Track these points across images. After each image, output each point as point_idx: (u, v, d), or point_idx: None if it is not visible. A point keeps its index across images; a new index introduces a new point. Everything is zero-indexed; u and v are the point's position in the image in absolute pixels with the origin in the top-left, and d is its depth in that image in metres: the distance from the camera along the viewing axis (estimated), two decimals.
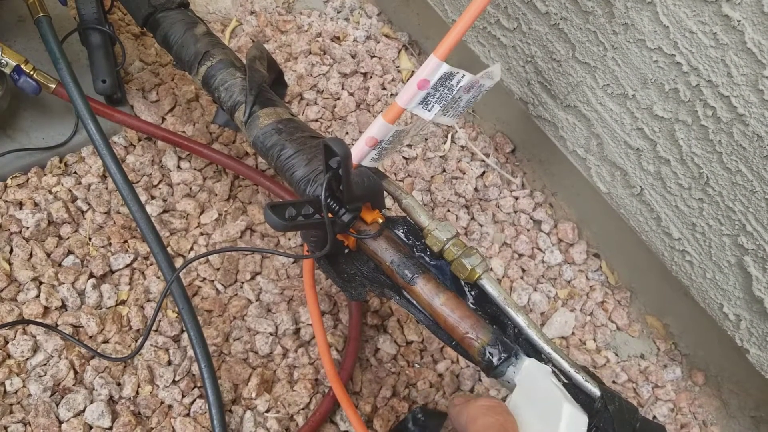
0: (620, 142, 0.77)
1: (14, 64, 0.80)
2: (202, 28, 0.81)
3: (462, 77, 0.60)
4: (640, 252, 0.85)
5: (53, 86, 0.82)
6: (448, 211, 0.96)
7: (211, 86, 0.77)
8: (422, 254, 0.67)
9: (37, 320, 0.78)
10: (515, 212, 0.98)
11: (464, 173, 0.99)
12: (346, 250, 0.69)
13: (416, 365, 0.86)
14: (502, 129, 1.02)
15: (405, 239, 0.68)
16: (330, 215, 0.62)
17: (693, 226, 0.74)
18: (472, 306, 0.65)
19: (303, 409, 0.80)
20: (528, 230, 0.97)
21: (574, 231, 0.96)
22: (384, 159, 0.67)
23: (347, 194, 0.60)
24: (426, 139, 1.00)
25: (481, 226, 0.96)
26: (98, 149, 0.75)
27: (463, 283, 0.66)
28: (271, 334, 0.84)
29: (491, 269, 0.92)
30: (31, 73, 0.81)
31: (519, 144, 1.00)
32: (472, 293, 0.66)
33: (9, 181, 0.87)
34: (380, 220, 0.66)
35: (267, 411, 0.79)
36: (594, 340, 0.90)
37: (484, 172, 1.00)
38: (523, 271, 0.94)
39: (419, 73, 0.59)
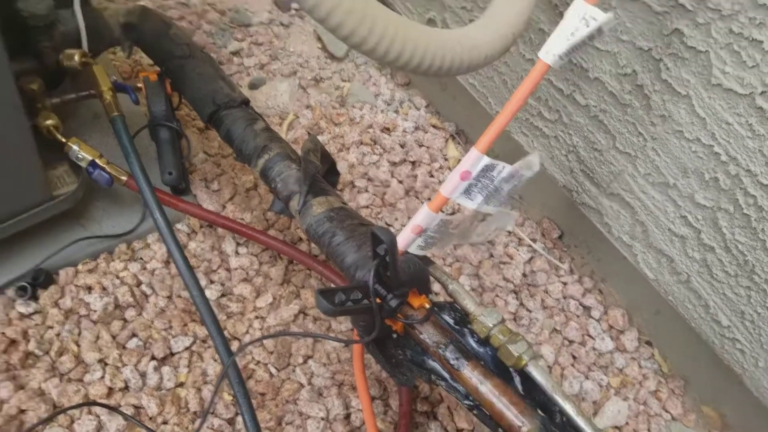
0: (664, 229, 0.78)
1: (90, 158, 0.87)
2: (261, 123, 0.87)
3: (502, 169, 0.63)
4: (692, 340, 0.85)
5: (124, 178, 0.89)
6: (497, 296, 0.97)
7: (268, 177, 0.82)
8: (469, 339, 0.69)
9: (101, 402, 0.81)
10: (564, 298, 0.99)
11: (512, 258, 1.01)
12: (395, 335, 0.71)
13: None
14: (548, 215, 1.04)
15: (452, 324, 0.70)
16: (378, 300, 0.64)
17: (742, 313, 0.73)
18: (519, 393, 0.66)
19: None
20: (578, 316, 0.97)
21: (625, 318, 0.96)
22: (431, 248, 0.70)
23: (394, 280, 0.63)
24: (485, 240, 1.03)
25: (530, 311, 0.97)
26: (164, 238, 0.81)
27: (510, 369, 0.67)
28: (322, 419, 0.85)
29: (539, 356, 0.92)
30: (105, 166, 0.88)
31: (566, 230, 1.02)
32: (519, 380, 0.67)
33: (80, 266, 0.93)
34: (427, 305, 0.69)
35: None
36: (648, 430, 0.88)
37: (531, 258, 1.01)
38: (574, 358, 0.94)
39: (461, 165, 0.62)
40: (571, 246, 1.02)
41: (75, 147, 0.86)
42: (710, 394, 0.89)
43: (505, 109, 0.61)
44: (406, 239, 0.67)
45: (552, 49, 0.56)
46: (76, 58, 0.89)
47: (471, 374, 0.65)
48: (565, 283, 0.99)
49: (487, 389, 0.64)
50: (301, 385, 0.88)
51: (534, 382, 0.66)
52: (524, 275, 1.00)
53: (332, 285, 0.97)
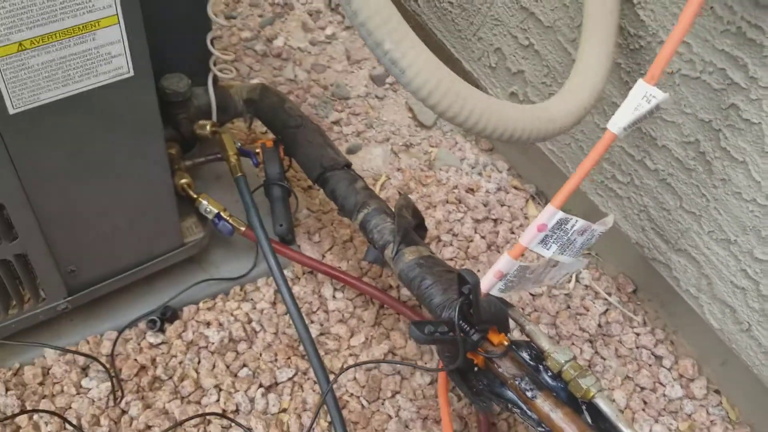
0: (727, 282, 0.85)
1: (216, 211, 1.02)
2: (361, 183, 1.00)
3: (575, 222, 0.73)
4: (757, 388, 0.89)
5: (243, 229, 1.03)
6: (573, 344, 1.05)
7: (366, 229, 0.94)
8: (543, 374, 0.77)
9: (213, 411, 0.94)
10: (637, 348, 1.05)
11: (588, 310, 1.08)
12: (476, 368, 0.80)
13: None
14: (623, 270, 1.11)
15: (528, 360, 0.79)
16: (462, 335, 0.74)
17: None
18: (587, 422, 0.73)
19: None
20: (650, 365, 1.03)
21: (695, 367, 1.01)
22: (510, 291, 0.79)
23: (476, 317, 0.73)
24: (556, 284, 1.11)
25: (604, 359, 1.04)
26: (276, 281, 0.94)
27: (580, 401, 0.75)
28: None
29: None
30: (228, 218, 1.03)
31: (639, 285, 1.09)
32: (588, 411, 0.75)
33: (201, 304, 1.07)
34: (505, 342, 0.78)
35: None
36: None
37: (606, 310, 1.09)
38: (645, 403, 0.99)
39: (539, 219, 0.72)
40: (645, 300, 1.08)
41: (204, 202, 1.02)
42: None
43: (578, 171, 0.71)
44: (488, 282, 0.77)
45: (618, 122, 0.66)
46: (208, 128, 1.06)
47: (543, 404, 0.73)
48: (638, 334, 1.06)
49: (558, 417, 0.72)
50: (390, 417, 0.97)
51: (599, 413, 0.73)
52: (599, 326, 1.07)
53: None
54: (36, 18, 0.64)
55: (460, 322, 0.74)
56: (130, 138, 0.82)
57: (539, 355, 0.78)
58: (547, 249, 0.75)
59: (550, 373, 0.77)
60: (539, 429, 0.74)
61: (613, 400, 0.98)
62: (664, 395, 1.00)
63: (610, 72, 0.78)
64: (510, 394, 0.77)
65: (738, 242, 0.82)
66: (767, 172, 0.74)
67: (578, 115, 0.74)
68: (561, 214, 0.72)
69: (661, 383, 1.01)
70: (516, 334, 0.99)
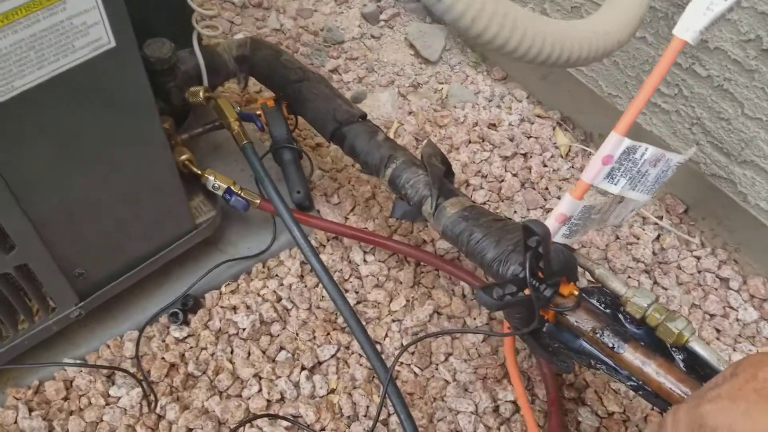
0: None
1: (225, 186, 0.92)
2: (381, 135, 0.90)
3: (645, 150, 0.64)
4: None
5: (258, 201, 0.94)
6: (629, 277, 0.97)
7: (397, 185, 0.85)
8: (623, 322, 0.69)
9: (279, 415, 0.86)
10: (699, 272, 0.97)
11: (638, 238, 1.00)
12: (546, 325, 0.72)
13: None
14: (671, 191, 1.02)
15: (602, 309, 0.71)
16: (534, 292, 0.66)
17: None
18: (683, 370, 0.66)
19: None
20: (716, 289, 0.96)
21: (766, 285, 0.93)
22: (576, 236, 0.71)
23: (547, 270, 0.64)
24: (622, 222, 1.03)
25: (666, 289, 0.96)
26: (304, 252, 0.85)
27: (669, 347, 0.67)
28: (472, 413, 0.87)
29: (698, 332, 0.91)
30: (240, 192, 0.93)
31: (691, 204, 1.00)
32: (680, 357, 0.67)
33: (223, 288, 0.99)
34: (575, 293, 0.69)
35: None
36: None
37: (659, 236, 1.00)
38: (718, 331, 0.92)
39: (602, 150, 0.63)
40: (698, 219, 1.00)
41: (211, 177, 0.92)
42: None
43: (642, 90, 0.61)
44: (551, 229, 0.68)
45: (691, 26, 0.56)
46: (201, 94, 0.95)
47: (633, 356, 0.65)
48: (698, 257, 0.98)
49: (652, 370, 0.64)
50: (447, 382, 0.90)
51: (695, 357, 0.66)
52: (654, 254, 0.99)
53: (462, 282, 0.99)
54: None
55: (532, 279, 0.65)
56: (121, 118, 0.72)
57: (614, 301, 0.70)
58: (615, 184, 0.66)
59: (629, 320, 0.69)
60: (629, 383, 0.67)
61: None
62: (738, 320, 0.93)
63: None
64: (591, 348, 0.69)
65: None
66: None
67: (634, 25, 0.63)
68: (628, 142, 0.63)
69: (732, 307, 0.94)
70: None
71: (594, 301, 0.71)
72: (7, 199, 0.67)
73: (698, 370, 0.66)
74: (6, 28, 0.55)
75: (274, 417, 0.86)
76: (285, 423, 0.86)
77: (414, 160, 0.86)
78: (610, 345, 0.66)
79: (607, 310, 0.70)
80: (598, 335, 0.67)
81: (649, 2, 0.66)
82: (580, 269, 0.73)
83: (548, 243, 0.61)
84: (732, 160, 0.84)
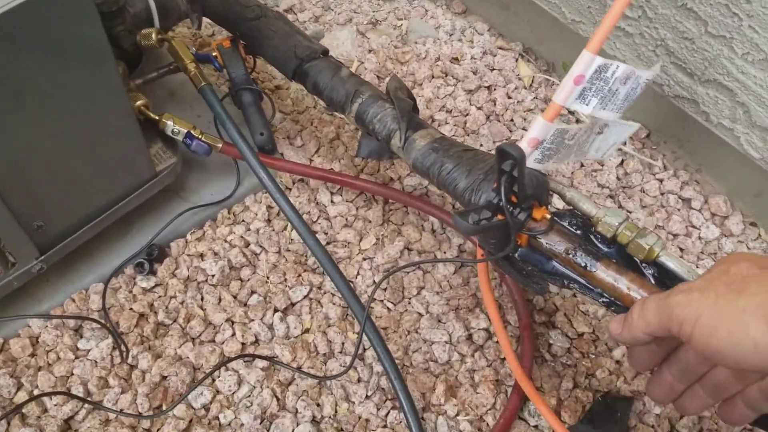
0: (767, 105, 0.78)
1: (185, 131, 0.90)
2: (345, 70, 0.88)
3: (617, 68, 0.63)
4: None
5: (220, 145, 0.91)
6: (595, 202, 0.98)
7: (364, 121, 0.83)
8: (595, 242, 0.70)
9: (256, 355, 0.85)
10: (662, 194, 0.99)
11: (602, 165, 1.01)
12: (519, 249, 0.72)
13: (592, 355, 0.88)
14: (632, 116, 1.03)
15: (574, 231, 0.71)
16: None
17: None
18: (653, 285, 0.67)
19: (490, 409, 0.83)
20: (679, 210, 0.98)
21: (727, 203, 0.95)
22: (549, 161, 0.70)
23: (521, 194, 0.64)
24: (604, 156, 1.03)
25: (630, 212, 0.97)
26: (272, 195, 0.83)
27: (640, 263, 0.68)
28: (446, 342, 0.88)
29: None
30: (200, 136, 0.90)
31: (653, 128, 1.01)
32: (651, 272, 0.68)
33: (189, 236, 0.97)
34: (548, 216, 0.70)
35: (457, 415, 0.83)
36: None
37: (623, 161, 1.01)
38: (682, 250, 0.95)
39: (574, 69, 0.62)
40: (660, 143, 1.01)
41: (170, 122, 0.89)
42: None
43: (615, 5, 0.61)
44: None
45: None
46: (153, 36, 0.91)
47: (605, 274, 0.66)
48: (660, 180, 0.99)
49: (624, 285, 0.65)
50: (420, 315, 0.91)
51: (665, 272, 0.67)
52: (618, 179, 1.00)
53: (432, 218, 0.99)
54: None
55: (507, 204, 0.65)
56: (72, 62, 0.68)
57: (586, 222, 0.71)
58: (587, 104, 0.65)
59: (600, 239, 0.70)
60: (602, 300, 0.68)
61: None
62: (700, 238, 0.95)
63: None
64: (564, 269, 0.70)
65: None
66: None
67: None
68: (600, 60, 0.62)
69: (694, 226, 0.96)
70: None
71: (566, 224, 0.71)
72: None
73: (668, 284, 0.67)
74: None
75: (250, 357, 0.85)
76: (261, 364, 0.85)
77: (380, 95, 0.84)
78: (583, 264, 0.67)
79: (579, 232, 0.71)
80: (570, 256, 0.68)
81: None
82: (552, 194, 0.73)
83: (523, 166, 0.60)
84: (695, 80, 0.84)
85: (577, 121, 1.04)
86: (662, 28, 0.83)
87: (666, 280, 0.67)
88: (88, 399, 0.82)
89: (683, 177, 0.99)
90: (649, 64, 0.89)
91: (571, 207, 0.72)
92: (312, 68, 0.87)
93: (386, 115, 0.80)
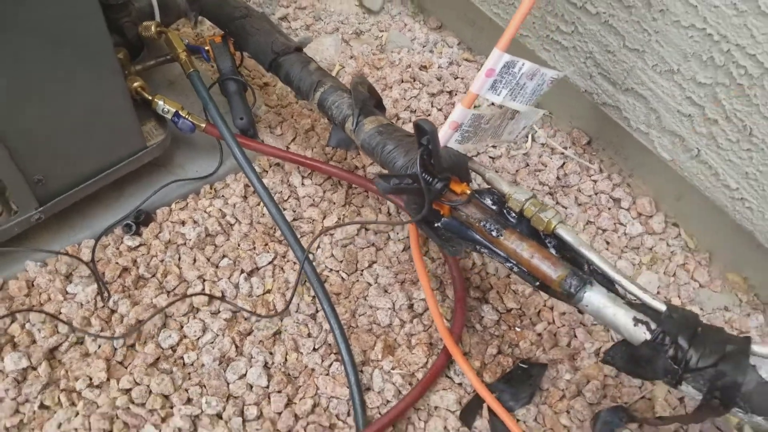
0: (674, 111, 0.89)
1: (174, 110, 1.03)
2: (314, 65, 1.01)
3: (522, 65, 0.75)
4: (712, 213, 0.95)
5: (204, 125, 1.04)
6: (509, 183, 1.09)
7: (324, 107, 0.96)
8: (507, 216, 0.81)
9: (205, 292, 0.97)
10: (596, 194, 1.10)
11: (546, 165, 1.13)
12: (442, 218, 0.84)
13: (517, 328, 0.99)
14: (577, 125, 1.15)
15: (491, 206, 0.83)
16: (425, 184, 0.78)
17: (746, 174, 0.84)
18: (550, 252, 0.78)
19: (422, 367, 0.94)
20: (609, 208, 1.09)
21: (652, 204, 1.06)
22: (468, 142, 0.82)
23: (437, 165, 0.76)
24: (515, 142, 1.15)
25: (566, 208, 1.09)
26: (244, 169, 0.96)
27: (543, 236, 0.79)
28: (389, 309, 0.99)
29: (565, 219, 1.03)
30: (187, 116, 1.03)
31: (593, 135, 1.13)
32: (552, 244, 0.80)
33: (173, 206, 1.09)
34: (468, 191, 0.81)
35: (392, 369, 0.94)
36: (678, 296, 0.99)
37: (564, 163, 1.13)
38: (608, 243, 1.05)
39: (486, 64, 0.74)
40: (599, 149, 1.13)
41: (161, 102, 1.02)
42: (734, 261, 0.99)
43: (519, 10, 0.73)
44: (445, 134, 0.80)
45: None
46: (153, 28, 1.05)
47: (509, 240, 0.78)
48: (595, 181, 1.10)
49: (523, 249, 0.77)
50: (369, 285, 1.02)
51: (563, 244, 0.78)
52: (558, 178, 1.11)
53: (388, 203, 1.10)
54: None
55: (423, 174, 0.77)
56: (77, 43, 0.82)
57: (501, 199, 0.82)
58: (498, 95, 0.77)
59: (513, 214, 0.81)
60: (507, 264, 0.79)
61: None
62: (625, 234, 1.06)
63: None
64: (477, 236, 0.82)
65: (681, 71, 0.85)
66: None
67: None
68: (507, 57, 0.74)
69: (621, 223, 1.07)
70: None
71: (486, 200, 0.83)
72: None
73: (564, 254, 0.78)
74: None
75: (210, 297, 0.97)
76: (225, 315, 0.97)
77: (341, 86, 0.97)
78: (492, 232, 0.79)
79: (495, 207, 0.83)
80: (482, 224, 0.79)
81: None
82: (474, 174, 0.85)
83: (435, 138, 0.72)
84: (617, 89, 0.96)
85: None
86: (590, 42, 0.95)
87: (563, 250, 0.79)
88: (71, 325, 0.94)
89: (616, 180, 1.11)
90: (582, 75, 1.01)
91: (490, 186, 0.83)
92: (285, 61, 1.00)
93: (343, 103, 0.93)
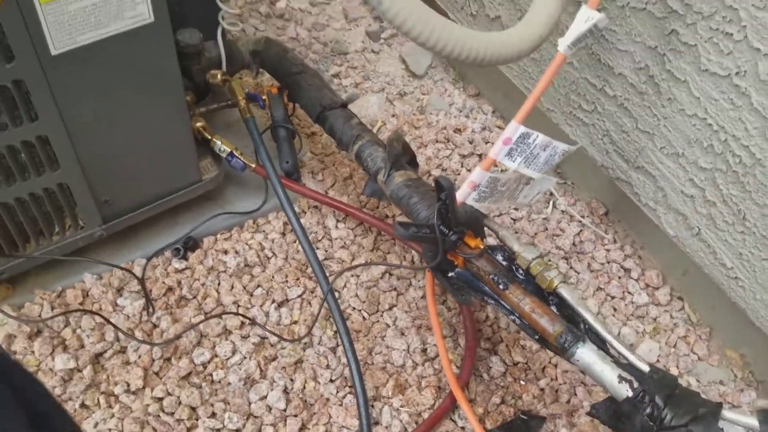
0: (678, 192, 0.97)
1: (229, 150, 1.15)
2: (356, 120, 1.12)
3: (537, 137, 0.85)
4: (713, 290, 1.01)
5: (253, 166, 1.16)
6: (549, 260, 1.17)
7: (361, 158, 1.07)
8: (516, 272, 0.90)
9: (238, 313, 1.07)
10: (608, 262, 1.17)
11: (563, 231, 1.21)
12: (456, 269, 0.93)
13: (522, 381, 1.05)
14: (596, 196, 1.23)
15: (502, 261, 0.91)
16: (441, 235, 0.87)
17: (740, 255, 0.90)
18: (550, 308, 0.86)
19: (429, 408, 1.01)
20: (619, 277, 1.16)
21: (659, 277, 1.13)
22: (485, 202, 0.91)
23: (453, 219, 0.85)
24: (530, 206, 1.24)
25: (578, 273, 1.16)
26: (284, 208, 1.06)
27: (546, 293, 0.87)
28: (404, 351, 1.07)
29: (567, 281, 1.10)
30: (240, 156, 1.15)
31: (610, 207, 1.21)
32: (554, 302, 0.87)
33: (219, 236, 1.21)
34: (481, 246, 0.90)
35: (401, 407, 1.01)
36: (677, 367, 1.05)
37: (580, 231, 1.21)
38: (615, 310, 1.12)
39: (504, 133, 0.84)
40: (615, 221, 1.20)
41: (218, 142, 1.14)
42: (732, 338, 1.05)
43: (536, 89, 0.83)
44: (463, 192, 0.89)
45: (564, 41, 0.78)
46: (219, 76, 1.18)
47: (514, 294, 0.86)
48: (608, 250, 1.18)
49: (525, 303, 0.85)
50: (387, 326, 1.11)
51: (564, 302, 0.86)
52: (574, 244, 1.19)
53: (412, 251, 1.20)
54: None
55: (440, 225, 0.86)
56: (154, 82, 0.95)
57: (511, 256, 0.91)
58: (513, 161, 0.86)
59: (521, 271, 0.90)
60: (512, 317, 0.87)
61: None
62: (632, 302, 1.13)
63: (564, 7, 0.89)
64: (486, 288, 0.90)
65: (685, 154, 0.93)
66: (704, 89, 0.86)
67: (534, 41, 0.85)
68: (523, 129, 0.84)
69: (629, 292, 1.14)
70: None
71: (497, 255, 0.92)
72: (61, 129, 0.90)
73: (564, 311, 0.86)
74: None
75: (243, 317, 1.07)
76: (254, 339, 1.07)
77: (377, 141, 1.08)
78: (499, 285, 0.87)
79: (505, 263, 0.91)
80: (491, 277, 0.88)
81: (552, 26, 0.87)
82: (489, 231, 0.94)
83: (452, 195, 0.82)
84: (630, 166, 1.04)
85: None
86: (608, 121, 1.04)
87: (563, 308, 0.86)
88: (118, 328, 1.04)
89: (628, 251, 1.18)
90: (599, 150, 1.10)
91: (502, 243, 0.92)
92: (331, 115, 1.11)
93: (377, 156, 1.04)
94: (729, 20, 0.79)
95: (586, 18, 0.76)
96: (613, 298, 1.13)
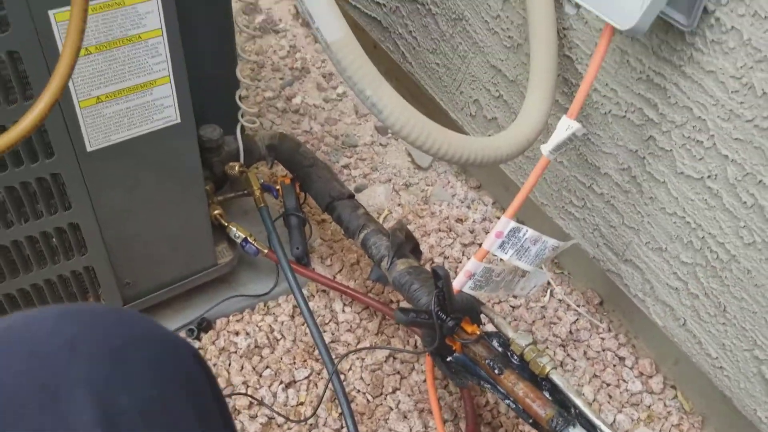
0: (664, 284, 1.03)
1: (243, 236, 1.23)
2: (362, 210, 1.20)
3: (526, 231, 0.92)
4: (703, 379, 1.05)
5: (266, 251, 1.23)
6: (547, 347, 1.22)
7: (366, 246, 1.14)
8: (511, 358, 0.95)
9: (247, 393, 1.12)
10: (603, 350, 1.22)
11: (560, 319, 1.26)
12: (454, 354, 0.98)
13: None
14: (591, 286, 1.29)
15: (497, 347, 0.97)
16: (438, 320, 0.93)
17: (723, 345, 0.95)
18: (543, 394, 0.91)
19: None
20: (614, 365, 1.20)
21: (652, 366, 1.17)
22: (480, 290, 0.98)
23: (449, 305, 0.92)
24: (528, 294, 1.29)
25: (575, 360, 1.21)
26: (293, 292, 1.13)
27: (539, 379, 0.92)
28: None
29: (558, 367, 1.13)
30: (253, 242, 1.23)
31: (605, 297, 1.26)
32: (546, 387, 0.92)
33: (231, 317, 1.27)
34: (477, 332, 0.96)
35: None
36: None
37: (576, 319, 1.26)
38: (610, 397, 1.16)
39: (496, 227, 0.91)
40: (610, 310, 1.26)
41: (234, 228, 1.22)
42: (723, 426, 1.08)
43: (524, 188, 0.91)
44: (460, 281, 0.96)
45: (547, 147, 0.86)
46: (237, 168, 1.27)
47: (508, 379, 0.91)
48: (603, 339, 1.23)
49: (519, 388, 0.90)
50: (391, 409, 1.15)
51: (556, 387, 0.91)
52: (570, 332, 1.24)
53: (415, 336, 1.25)
54: (110, 78, 0.87)
55: (438, 311, 0.92)
56: (177, 175, 1.04)
57: (506, 342, 0.96)
58: (505, 253, 0.93)
59: (516, 357, 0.95)
60: (506, 401, 0.92)
61: (583, 394, 1.15)
62: (627, 390, 1.16)
63: (549, 113, 0.98)
64: (482, 372, 0.95)
65: (668, 249, 1.00)
66: (681, 190, 0.93)
67: (520, 146, 0.94)
68: (513, 224, 0.91)
69: (623, 380, 1.18)
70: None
71: (493, 341, 0.97)
72: (92, 218, 0.98)
73: (556, 396, 0.91)
74: (114, 100, 0.88)
75: (252, 398, 1.11)
76: (262, 420, 1.11)
77: (382, 230, 1.15)
78: (494, 369, 0.92)
79: (500, 348, 0.96)
80: (487, 362, 0.93)
81: (539, 132, 0.96)
82: (485, 318, 1.00)
83: (449, 282, 0.88)
84: (619, 259, 1.11)
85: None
86: (597, 216, 1.12)
87: (555, 393, 0.91)
88: None
89: (622, 339, 1.22)
90: (591, 243, 1.16)
91: (498, 329, 0.98)
92: (339, 205, 1.20)
93: (381, 245, 1.11)
94: (699, 129, 0.87)
95: (566, 127, 0.85)
96: (608, 385, 1.17)
